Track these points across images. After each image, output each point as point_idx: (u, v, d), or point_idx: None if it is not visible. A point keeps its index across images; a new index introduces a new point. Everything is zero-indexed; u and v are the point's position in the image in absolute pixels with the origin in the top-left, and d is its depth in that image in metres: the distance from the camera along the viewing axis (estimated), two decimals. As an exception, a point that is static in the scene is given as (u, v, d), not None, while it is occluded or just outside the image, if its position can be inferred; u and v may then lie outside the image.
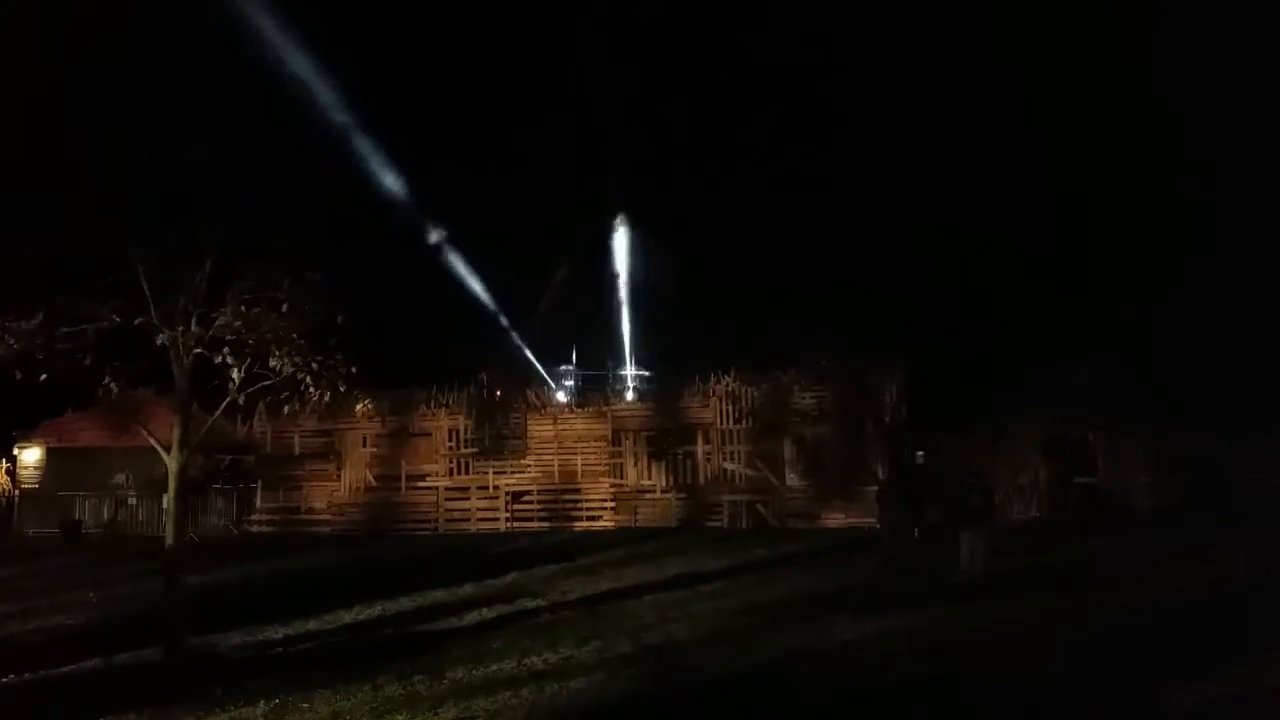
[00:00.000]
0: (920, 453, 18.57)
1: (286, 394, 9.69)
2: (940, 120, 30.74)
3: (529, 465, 22.40)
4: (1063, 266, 27.73)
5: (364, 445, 23.21)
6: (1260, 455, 17.78)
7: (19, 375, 8.87)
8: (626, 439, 22.17)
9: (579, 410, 23.04)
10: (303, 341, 9.38)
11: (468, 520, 22.22)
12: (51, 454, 26.46)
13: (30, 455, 26.76)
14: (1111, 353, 23.11)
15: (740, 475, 21.40)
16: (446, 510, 22.43)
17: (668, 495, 21.57)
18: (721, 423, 21.77)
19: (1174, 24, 24.97)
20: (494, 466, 22.46)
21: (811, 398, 21.48)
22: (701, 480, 21.54)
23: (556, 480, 22.10)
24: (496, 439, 22.80)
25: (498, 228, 32.32)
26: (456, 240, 30.04)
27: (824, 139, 32.15)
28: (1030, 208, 28.73)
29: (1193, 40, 24.87)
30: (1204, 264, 23.92)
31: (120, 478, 24.11)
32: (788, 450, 21.20)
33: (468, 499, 22.40)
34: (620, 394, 24.61)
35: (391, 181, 28.52)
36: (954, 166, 29.70)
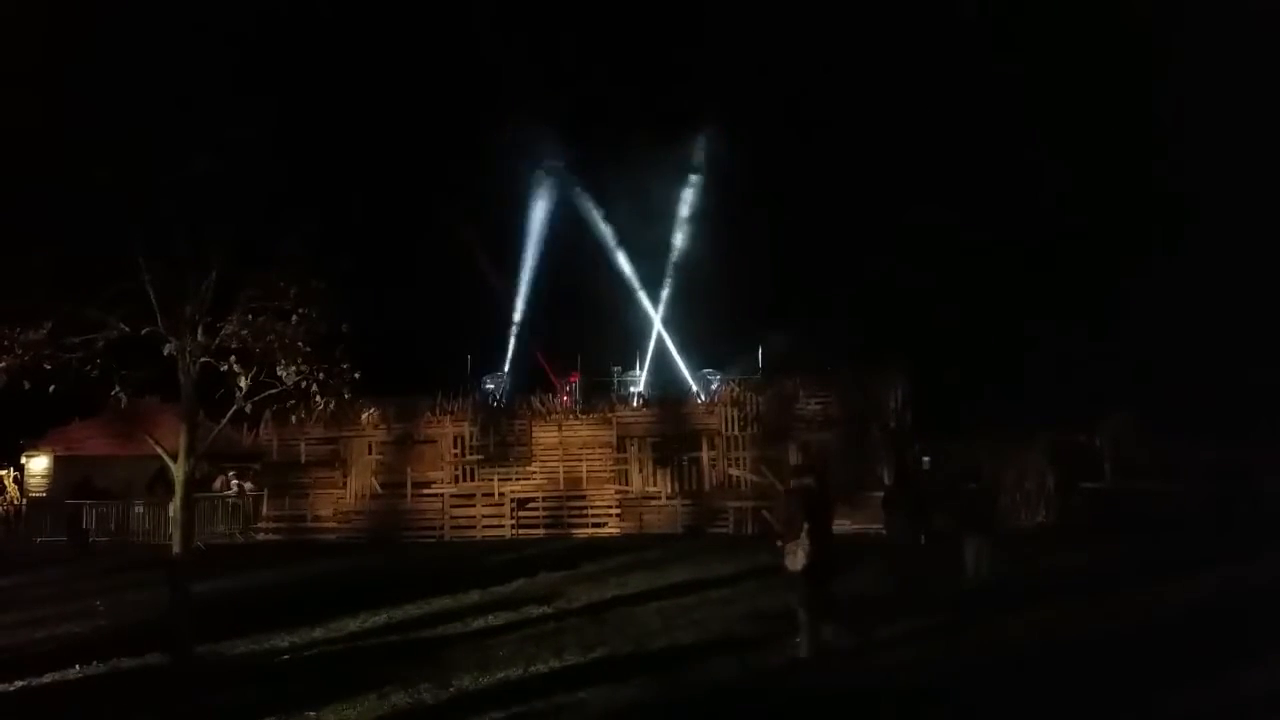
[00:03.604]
0: (926, 458, 18.53)
1: (292, 402, 9.75)
2: (942, 120, 30.74)
3: (534, 472, 22.39)
4: (1069, 269, 27.72)
5: (369, 453, 23.21)
6: (1272, 460, 17.69)
7: (27, 385, 8.94)
8: (631, 445, 22.15)
9: (584, 417, 23.02)
10: (309, 350, 9.43)
11: (473, 527, 22.21)
12: (59, 462, 26.59)
13: (38, 464, 26.89)
14: (1120, 356, 23.11)
15: (746, 481, 21.37)
16: (452, 517, 22.42)
17: (673, 501, 21.53)
18: (727, 429, 21.75)
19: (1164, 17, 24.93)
20: (499, 473, 22.45)
21: (817, 403, 21.46)
22: (707, 486, 21.50)
23: (561, 487, 22.08)
24: (501, 446, 22.81)
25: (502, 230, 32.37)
26: (460, 244, 30.12)
27: (822, 140, 32.15)
28: (1036, 208, 28.73)
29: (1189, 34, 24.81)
30: (1219, 266, 23.88)
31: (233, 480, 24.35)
32: (792, 456, 21.15)
33: (473, 506, 22.40)
34: (626, 400, 24.63)
35: (394, 184, 28.66)
36: (956, 168, 29.70)
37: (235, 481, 24.29)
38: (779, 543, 9.15)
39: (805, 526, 8.60)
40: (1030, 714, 7.23)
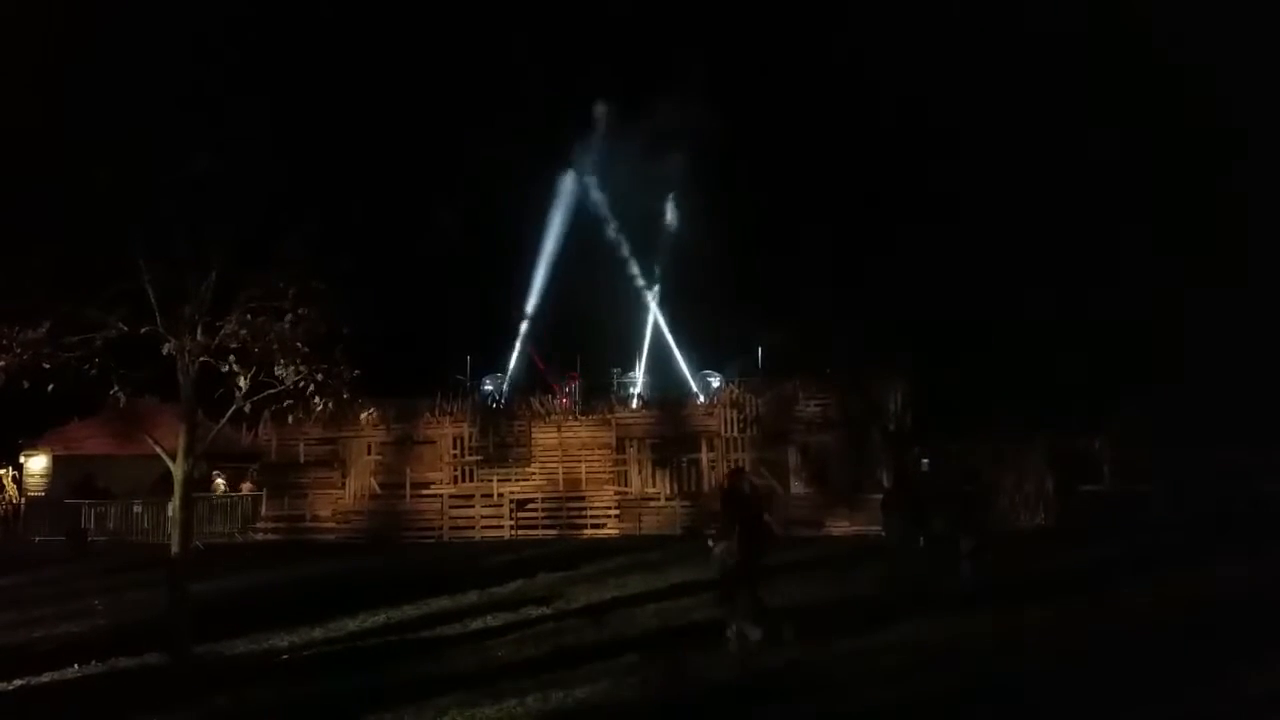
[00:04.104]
0: (925, 460, 18.52)
1: (291, 402, 9.74)
2: (941, 117, 30.73)
3: (533, 473, 22.40)
4: (1070, 269, 27.67)
5: (369, 453, 23.23)
6: (1269, 463, 17.71)
7: (26, 385, 8.94)
8: (631, 447, 22.16)
9: (583, 418, 23.02)
10: (307, 350, 9.43)
11: (472, 528, 22.21)
12: (57, 462, 26.59)
13: (36, 463, 26.89)
14: (1119, 359, 23.08)
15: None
16: (451, 518, 22.43)
17: (672, 503, 21.54)
18: (726, 430, 21.76)
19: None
20: (498, 474, 22.46)
21: (816, 405, 21.46)
22: (706, 488, 21.48)
23: (561, 488, 22.09)
24: (501, 447, 22.81)
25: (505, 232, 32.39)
26: (462, 244, 30.12)
27: (823, 140, 32.12)
28: (1034, 207, 28.67)
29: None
30: (1213, 265, 23.84)
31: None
32: (792, 458, 21.17)
33: (472, 507, 22.40)
34: (625, 401, 24.61)
35: (397, 185, 28.63)
36: (954, 167, 29.67)
37: (220, 480, 24.26)
38: (709, 544, 9.60)
39: (735, 530, 9.07)
40: (1030, 715, 7.23)
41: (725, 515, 9.45)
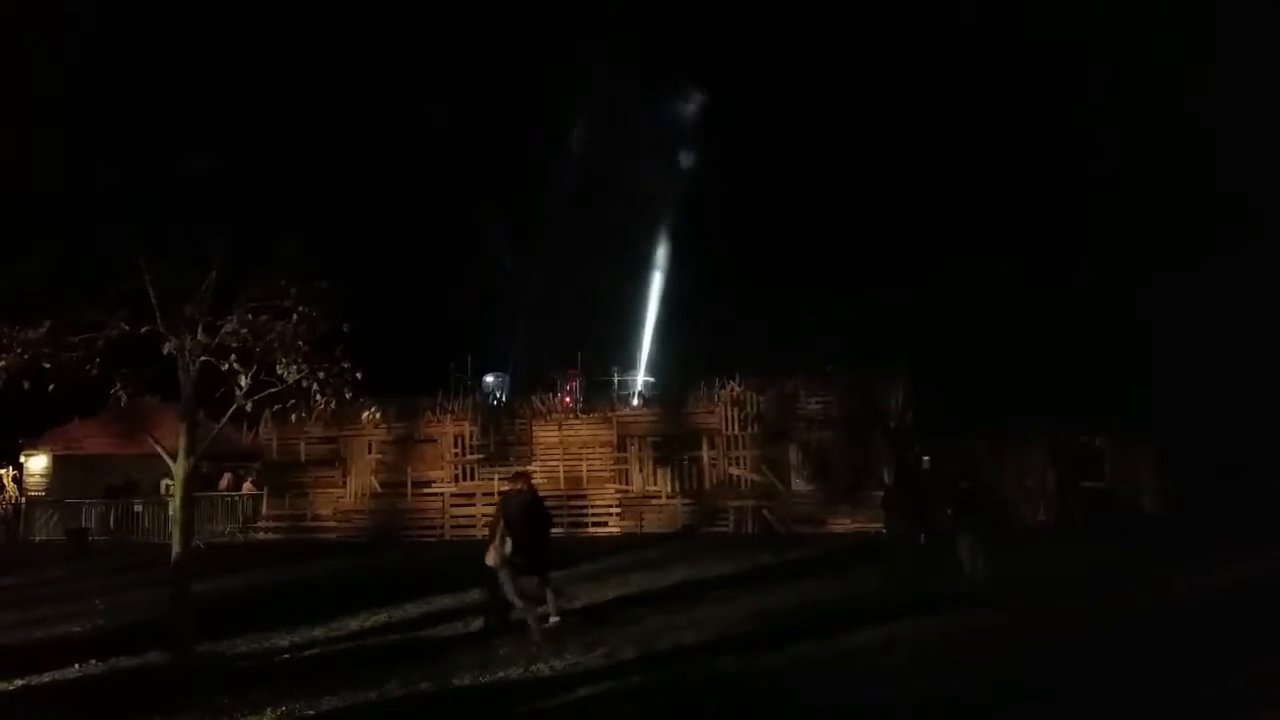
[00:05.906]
0: (926, 458, 18.53)
1: (292, 401, 9.72)
2: (941, 114, 30.71)
3: (534, 471, 22.33)
4: (1068, 268, 27.70)
5: (370, 452, 23.23)
6: (1270, 460, 17.69)
7: (27, 384, 8.92)
8: (632, 445, 22.14)
9: (584, 416, 23.01)
10: (308, 349, 9.41)
11: (473, 526, 22.18)
12: (58, 461, 26.58)
13: (37, 463, 26.87)
14: (1118, 355, 23.10)
15: (746, 481, 21.37)
16: (452, 517, 22.43)
17: (673, 501, 21.53)
18: (727, 428, 21.75)
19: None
20: (500, 473, 22.44)
21: (817, 403, 21.45)
22: (707, 486, 21.50)
23: (562, 486, 22.07)
24: (502, 445, 22.80)
25: (508, 229, 32.46)
26: (463, 242, 30.16)
27: (826, 142, 32.13)
28: (1033, 203, 28.70)
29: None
30: (1215, 264, 23.86)
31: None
32: (793, 456, 21.16)
33: (473, 505, 22.39)
34: (626, 400, 24.61)
35: (398, 184, 28.67)
36: (955, 167, 29.68)
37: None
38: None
39: (501, 527, 10.00)
40: (1030, 714, 7.23)
41: (498, 520, 10.22)
